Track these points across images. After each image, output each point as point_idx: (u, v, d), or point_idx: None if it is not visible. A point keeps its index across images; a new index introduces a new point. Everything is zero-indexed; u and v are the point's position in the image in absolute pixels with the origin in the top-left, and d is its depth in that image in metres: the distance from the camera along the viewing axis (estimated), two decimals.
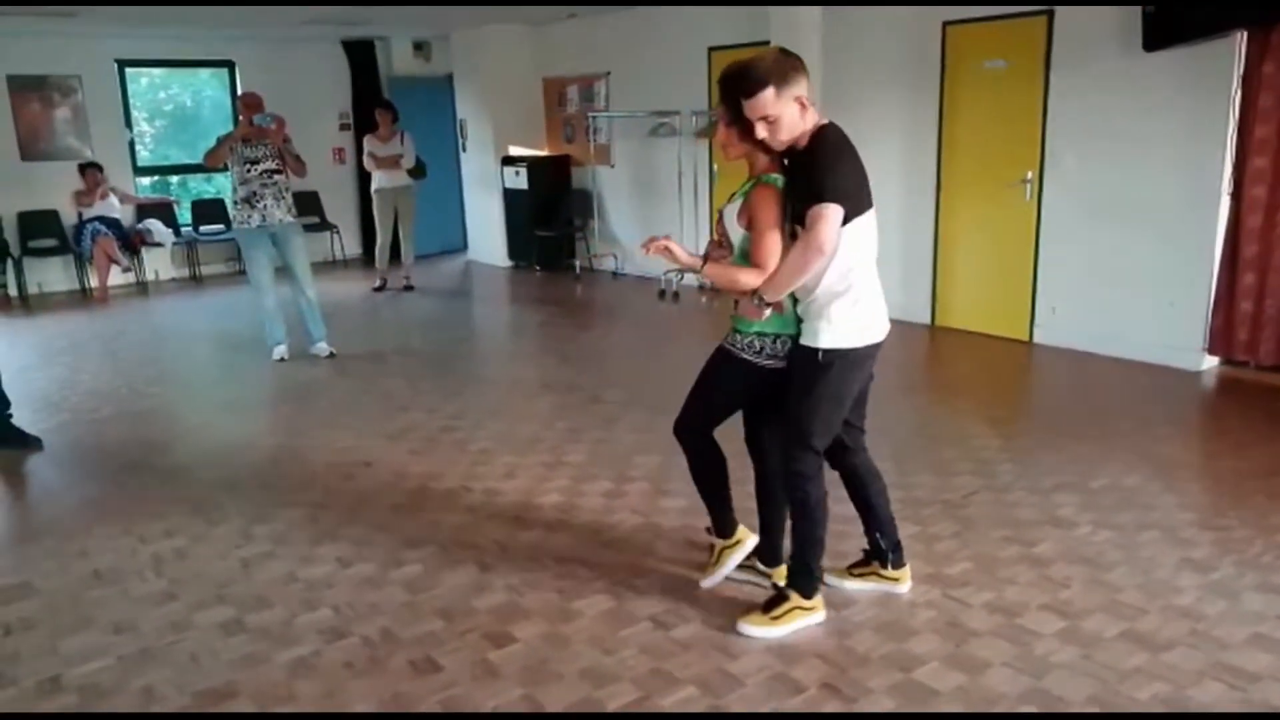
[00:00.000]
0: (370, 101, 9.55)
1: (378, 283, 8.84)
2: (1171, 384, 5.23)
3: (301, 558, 3.40)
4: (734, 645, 2.76)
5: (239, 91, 8.91)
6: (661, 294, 8.18)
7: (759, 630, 2.78)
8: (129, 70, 9.50)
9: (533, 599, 3.06)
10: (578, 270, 9.44)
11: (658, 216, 8.80)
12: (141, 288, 9.35)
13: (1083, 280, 5.84)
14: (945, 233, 6.56)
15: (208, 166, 6.11)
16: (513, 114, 9.77)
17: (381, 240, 8.72)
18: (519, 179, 9.55)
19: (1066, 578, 3.09)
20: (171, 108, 10.86)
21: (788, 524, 2.94)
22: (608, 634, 2.83)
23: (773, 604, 2.83)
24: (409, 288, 8.76)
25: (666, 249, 2.64)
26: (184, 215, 9.83)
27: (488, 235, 10.27)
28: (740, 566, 3.07)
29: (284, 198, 6.00)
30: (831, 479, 2.84)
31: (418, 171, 8.63)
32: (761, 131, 2.54)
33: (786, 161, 2.65)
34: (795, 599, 2.81)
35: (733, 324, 2.77)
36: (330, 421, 4.99)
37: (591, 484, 4.01)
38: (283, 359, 6.20)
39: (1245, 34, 5.00)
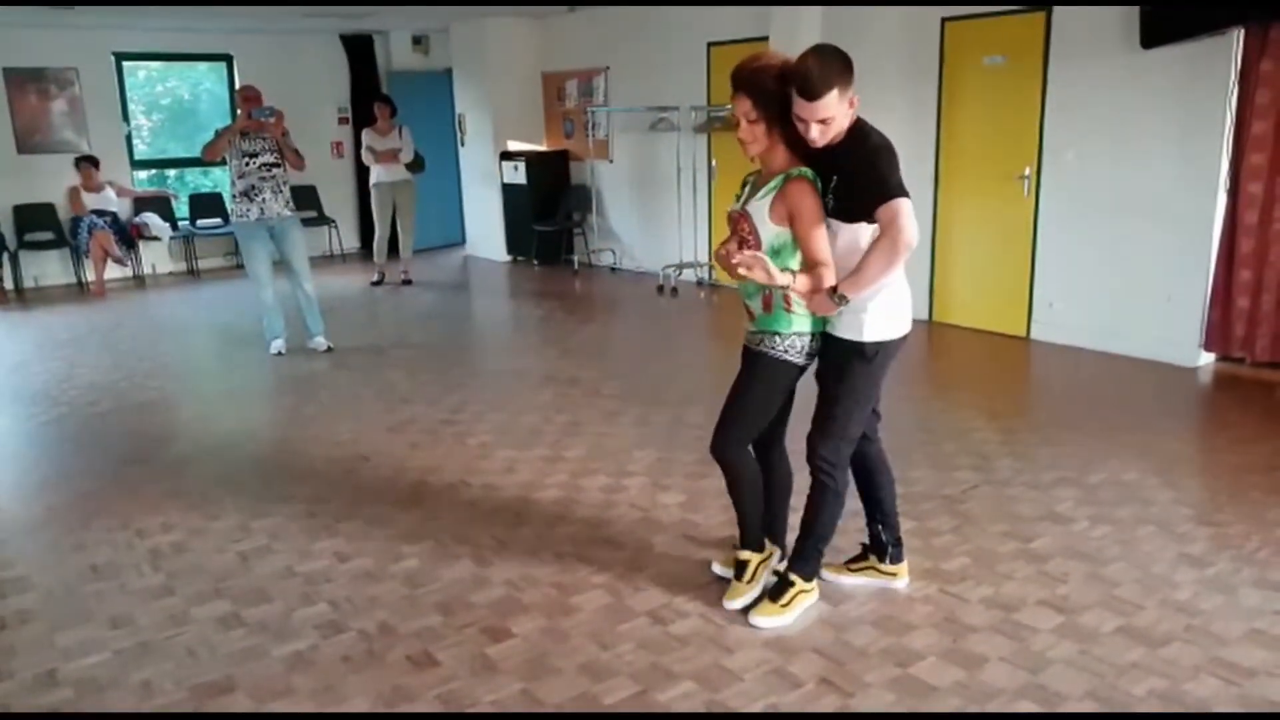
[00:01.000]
0: (369, 95, 9.54)
1: (376, 277, 8.84)
2: (1168, 380, 5.24)
3: (300, 552, 3.40)
4: (732, 640, 2.76)
5: (237, 85, 8.89)
6: (660, 289, 8.18)
7: (772, 620, 2.80)
8: (126, 63, 9.48)
9: (531, 594, 3.06)
10: (576, 265, 9.44)
11: (657, 212, 8.79)
12: (139, 281, 9.34)
13: (1080, 276, 5.85)
14: (943, 228, 6.56)
15: (206, 160, 6.09)
16: (512, 108, 9.75)
17: (380, 234, 8.72)
18: (518, 174, 9.53)
19: (1064, 573, 3.10)
20: (169, 101, 10.82)
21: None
22: (606, 629, 2.84)
23: (779, 591, 2.86)
24: (407, 282, 8.76)
25: (761, 263, 2.49)
26: (181, 209, 9.80)
27: (486, 230, 10.26)
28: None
29: (282, 191, 5.99)
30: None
31: (416, 166, 8.61)
32: (814, 133, 2.50)
33: (806, 155, 2.63)
34: (799, 583, 2.85)
35: (763, 328, 2.72)
36: (328, 415, 4.99)
37: (591, 478, 4.01)
38: (281, 353, 6.20)
39: (1243, 31, 4.99)
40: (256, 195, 5.89)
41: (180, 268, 9.77)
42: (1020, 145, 6.00)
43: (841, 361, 2.69)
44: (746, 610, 2.88)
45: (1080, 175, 5.76)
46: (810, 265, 2.59)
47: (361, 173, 9.52)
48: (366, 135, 8.47)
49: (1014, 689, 2.50)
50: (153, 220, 9.26)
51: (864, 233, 2.58)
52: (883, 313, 2.64)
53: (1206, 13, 4.93)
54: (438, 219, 10.56)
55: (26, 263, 8.90)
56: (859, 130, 2.57)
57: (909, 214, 2.47)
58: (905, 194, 2.48)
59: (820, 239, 2.58)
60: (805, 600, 2.86)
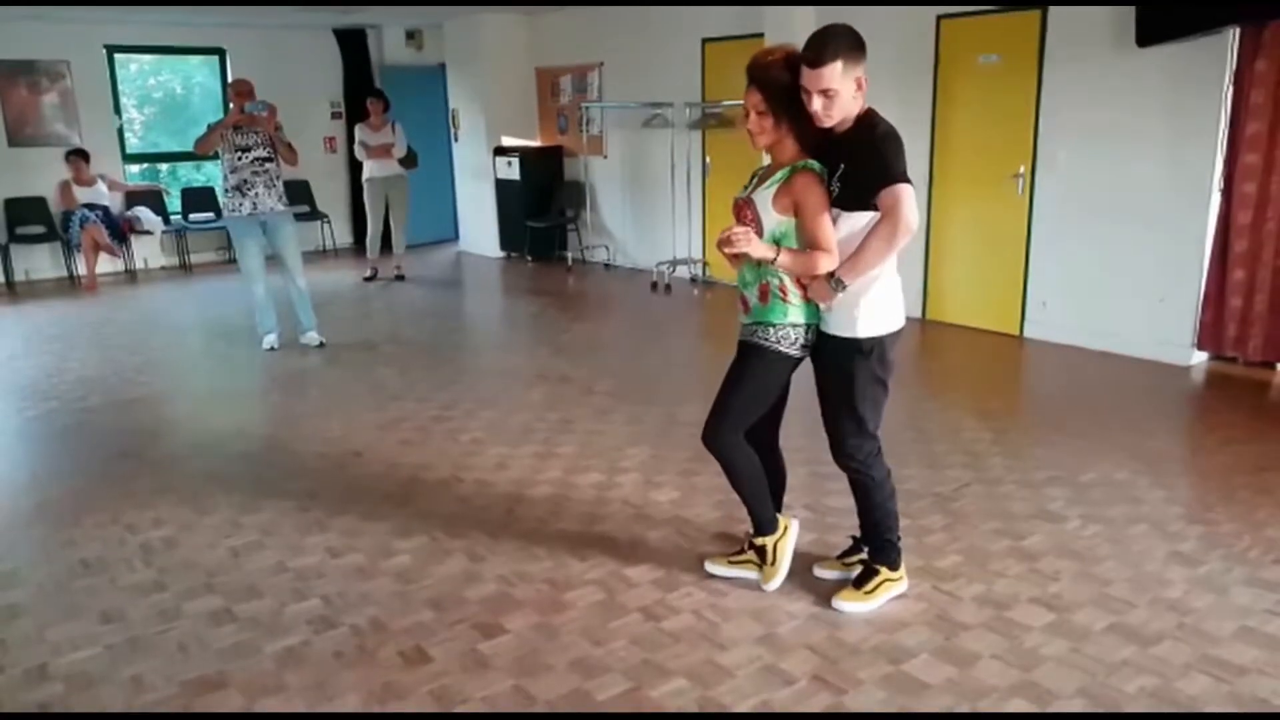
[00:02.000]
0: (362, 90, 9.52)
1: (369, 272, 8.81)
2: (1161, 379, 5.26)
3: (291, 547, 3.39)
4: (724, 637, 2.76)
5: (230, 79, 8.85)
6: (654, 286, 8.17)
7: (854, 606, 2.84)
8: (118, 56, 9.42)
9: (523, 590, 3.05)
10: (570, 261, 9.42)
11: (650, 208, 8.79)
12: (130, 276, 9.29)
13: (1074, 275, 5.86)
14: (937, 227, 6.57)
15: (198, 154, 6.06)
16: (505, 104, 9.73)
17: (373, 230, 8.69)
18: (511, 169, 9.51)
19: (1056, 571, 3.10)
20: (161, 95, 10.78)
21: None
22: (598, 625, 2.83)
23: (864, 579, 2.89)
24: (400, 277, 8.73)
25: (748, 236, 2.58)
26: (174, 203, 9.76)
27: (479, 226, 10.24)
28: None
29: (275, 186, 5.96)
30: (830, 474, 2.84)
31: (409, 161, 8.59)
32: (817, 104, 2.51)
33: (813, 150, 2.66)
34: (885, 571, 2.89)
35: (758, 319, 2.74)
36: (321, 411, 4.97)
37: (583, 475, 4.00)
38: (273, 348, 6.18)
39: (1238, 31, 5.01)
40: (249, 190, 5.86)
41: (172, 262, 9.72)
42: (1015, 144, 6.01)
43: (840, 361, 2.70)
44: (775, 586, 2.96)
45: (1074, 174, 5.77)
46: (807, 252, 2.62)
47: (354, 168, 9.49)
48: (359, 130, 8.44)
49: (1006, 687, 2.50)
50: (145, 214, 9.21)
51: (865, 221, 2.59)
52: (876, 308, 2.65)
53: (1201, 12, 4.94)
54: (431, 215, 10.53)
55: (17, 256, 8.85)
56: (868, 119, 2.59)
57: (911, 199, 2.49)
58: (908, 180, 2.50)
59: (826, 228, 2.60)
60: (892, 588, 2.90)
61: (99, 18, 8.73)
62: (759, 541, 2.99)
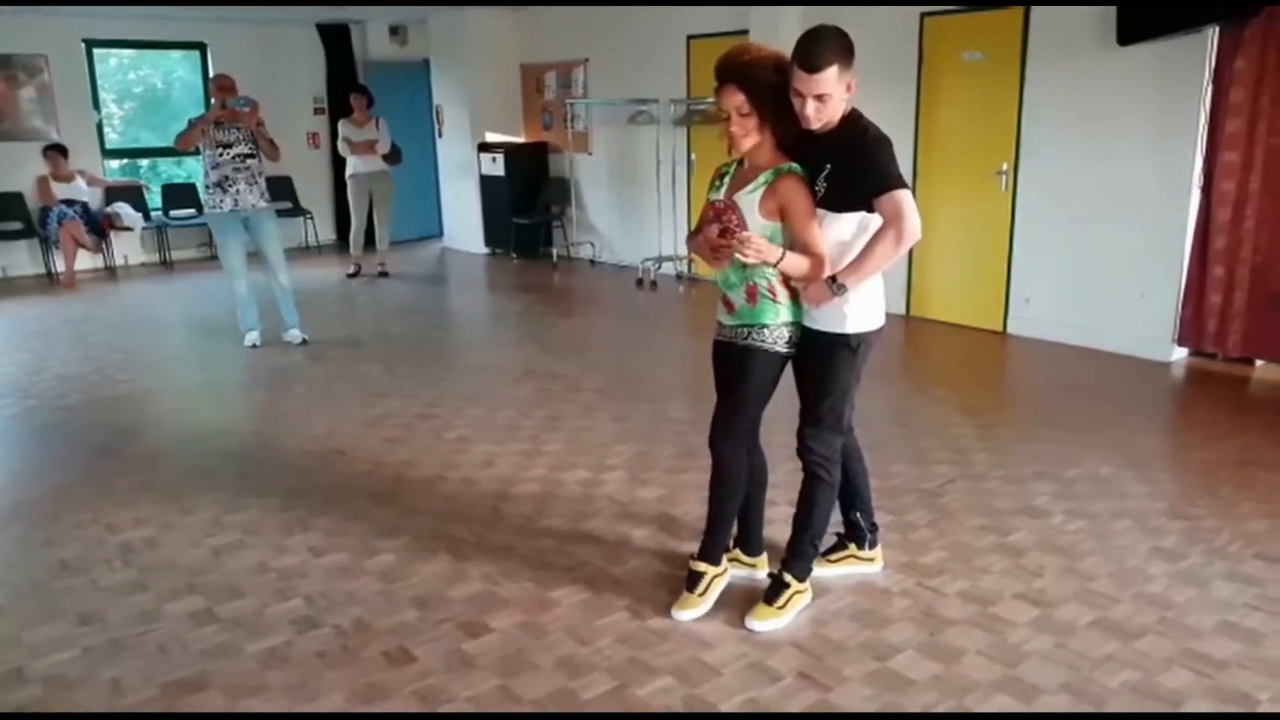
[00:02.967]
0: (345, 86, 9.44)
1: (352, 269, 8.76)
2: (1142, 375, 5.30)
3: (274, 547, 3.36)
4: (710, 634, 2.76)
5: (211, 74, 8.76)
6: (639, 282, 8.16)
7: (769, 624, 2.78)
8: (97, 50, 9.31)
9: (509, 588, 3.04)
10: (555, 258, 9.40)
11: (636, 205, 8.77)
12: (110, 273, 9.20)
13: (1056, 271, 5.89)
14: (921, 223, 6.57)
15: (179, 149, 5.99)
16: (490, 100, 9.69)
17: (356, 226, 8.64)
18: (496, 165, 9.47)
19: (1040, 567, 3.12)
20: (141, 89, 10.67)
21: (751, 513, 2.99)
22: (584, 624, 2.82)
23: (775, 593, 2.83)
24: (384, 274, 8.68)
25: (759, 241, 2.49)
26: (154, 199, 9.66)
27: (464, 222, 10.19)
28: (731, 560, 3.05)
29: (257, 182, 5.91)
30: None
31: (393, 157, 8.53)
32: (809, 109, 2.48)
33: (793, 150, 2.63)
34: (795, 584, 2.83)
35: (748, 321, 2.69)
36: (304, 409, 4.93)
37: (570, 472, 3.99)
38: (255, 345, 6.13)
39: (1218, 29, 5.04)
40: (231, 186, 5.81)
41: (153, 259, 9.62)
42: (998, 141, 6.04)
43: (825, 355, 2.68)
44: (689, 618, 2.83)
45: (1057, 171, 5.80)
46: (803, 255, 2.59)
47: (337, 164, 9.42)
48: (343, 126, 8.38)
49: (990, 682, 2.51)
50: (124, 210, 9.11)
51: (849, 224, 2.58)
52: (864, 304, 2.65)
53: (1181, 11, 4.98)
54: (415, 211, 10.48)
55: None
56: (854, 121, 2.57)
57: (912, 205, 2.48)
58: (906, 185, 2.50)
59: (815, 232, 2.58)
60: (801, 601, 2.85)
61: (77, 11, 8.63)
62: (698, 567, 2.88)
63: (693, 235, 2.83)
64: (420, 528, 3.49)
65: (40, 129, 8.91)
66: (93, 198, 8.99)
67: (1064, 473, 3.89)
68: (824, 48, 2.45)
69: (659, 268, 8.33)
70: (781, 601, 2.81)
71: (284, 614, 2.91)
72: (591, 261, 9.31)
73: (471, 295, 8.53)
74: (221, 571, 3.19)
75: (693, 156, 8.18)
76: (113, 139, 9.77)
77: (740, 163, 2.73)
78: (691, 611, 2.84)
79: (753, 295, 2.66)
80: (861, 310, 2.65)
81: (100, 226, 8.95)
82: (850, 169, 2.53)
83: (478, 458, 4.18)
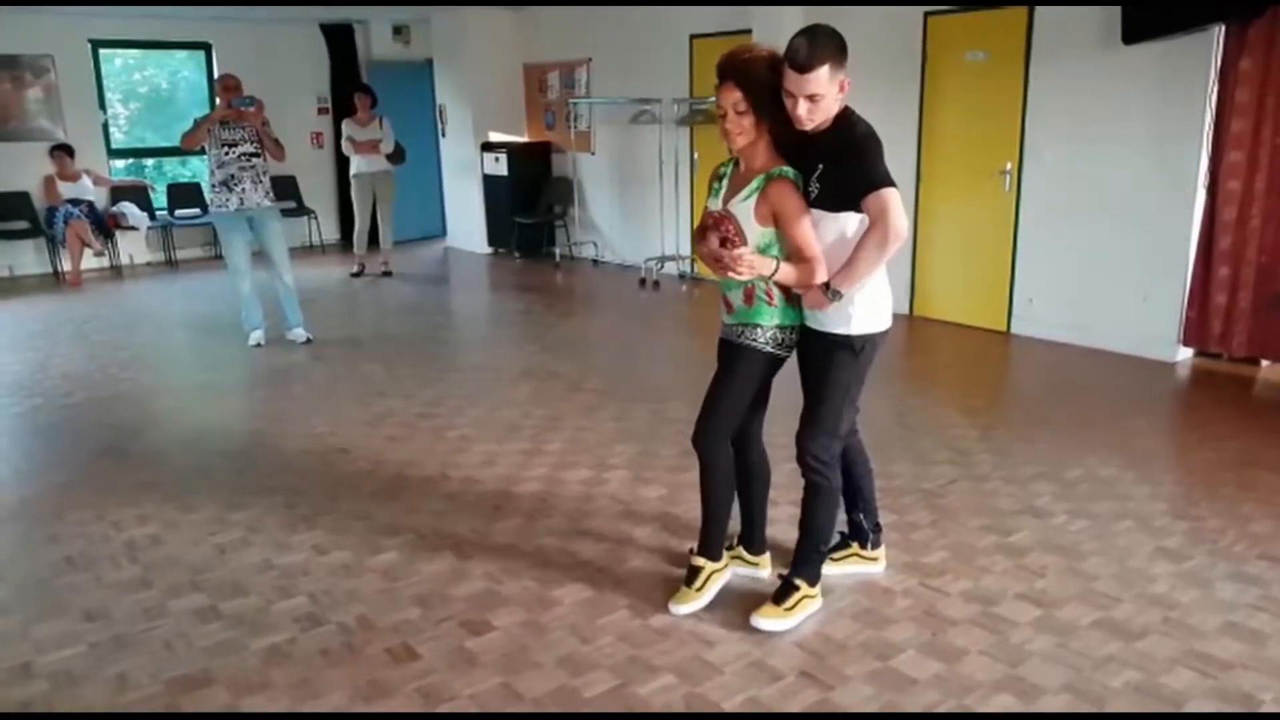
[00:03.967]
0: (348, 85, 9.46)
1: (355, 268, 8.77)
2: (1146, 375, 5.29)
3: (277, 545, 3.37)
4: (712, 633, 2.76)
5: (216, 74, 8.78)
6: (642, 282, 8.17)
7: (774, 623, 2.75)
8: (103, 51, 9.34)
9: (511, 587, 3.04)
10: (557, 258, 9.40)
11: (639, 205, 8.78)
12: (115, 272, 9.22)
13: (1060, 271, 5.89)
14: (924, 223, 6.59)
15: (184, 149, 6.01)
16: (493, 99, 9.70)
17: (360, 225, 8.65)
18: (499, 165, 9.48)
19: (1042, 566, 3.12)
20: (146, 90, 10.70)
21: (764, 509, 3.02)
22: (586, 622, 2.83)
23: (783, 594, 2.80)
24: (387, 273, 8.70)
25: (752, 260, 2.50)
26: (159, 199, 9.68)
27: (467, 222, 10.20)
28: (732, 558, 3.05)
29: (262, 181, 5.93)
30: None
31: (396, 156, 8.54)
32: (801, 109, 2.45)
33: (787, 151, 2.60)
34: (804, 588, 2.81)
35: (743, 320, 2.70)
36: (307, 407, 4.94)
37: (571, 472, 3.99)
38: (259, 344, 6.14)
39: (1223, 28, 5.04)
40: (235, 185, 5.83)
41: (158, 258, 9.65)
42: (1001, 141, 6.03)
43: (828, 357, 2.66)
44: (686, 611, 2.84)
45: (1061, 171, 5.79)
46: (800, 261, 2.57)
47: (341, 163, 9.44)
48: (346, 126, 8.39)
49: (992, 682, 2.51)
50: (130, 210, 9.14)
51: (850, 222, 2.55)
52: (869, 306, 2.62)
53: (1187, 10, 4.97)
54: (418, 210, 10.49)
55: (1, 252, 8.77)
56: (846, 119, 2.54)
57: (898, 205, 2.45)
58: (893, 184, 2.47)
59: (809, 236, 2.55)
60: (810, 606, 2.82)
61: (84, 11, 8.65)
62: (696, 562, 2.91)
63: (698, 241, 2.80)
64: (422, 526, 3.50)
65: (47, 129, 8.94)
66: (98, 197, 9.02)
67: (1066, 473, 3.89)
68: (815, 47, 2.41)
69: (661, 267, 8.34)
70: (790, 603, 2.79)
71: (287, 611, 2.91)
72: (594, 261, 9.31)
73: (474, 295, 8.54)
74: (225, 569, 3.20)
75: (695, 156, 8.18)
76: (118, 139, 9.80)
77: (737, 164, 2.71)
78: (688, 605, 2.85)
79: (750, 297, 2.67)
80: (866, 312, 2.62)
81: (106, 226, 8.98)
82: (841, 169, 2.51)
83: (479, 457, 4.19)
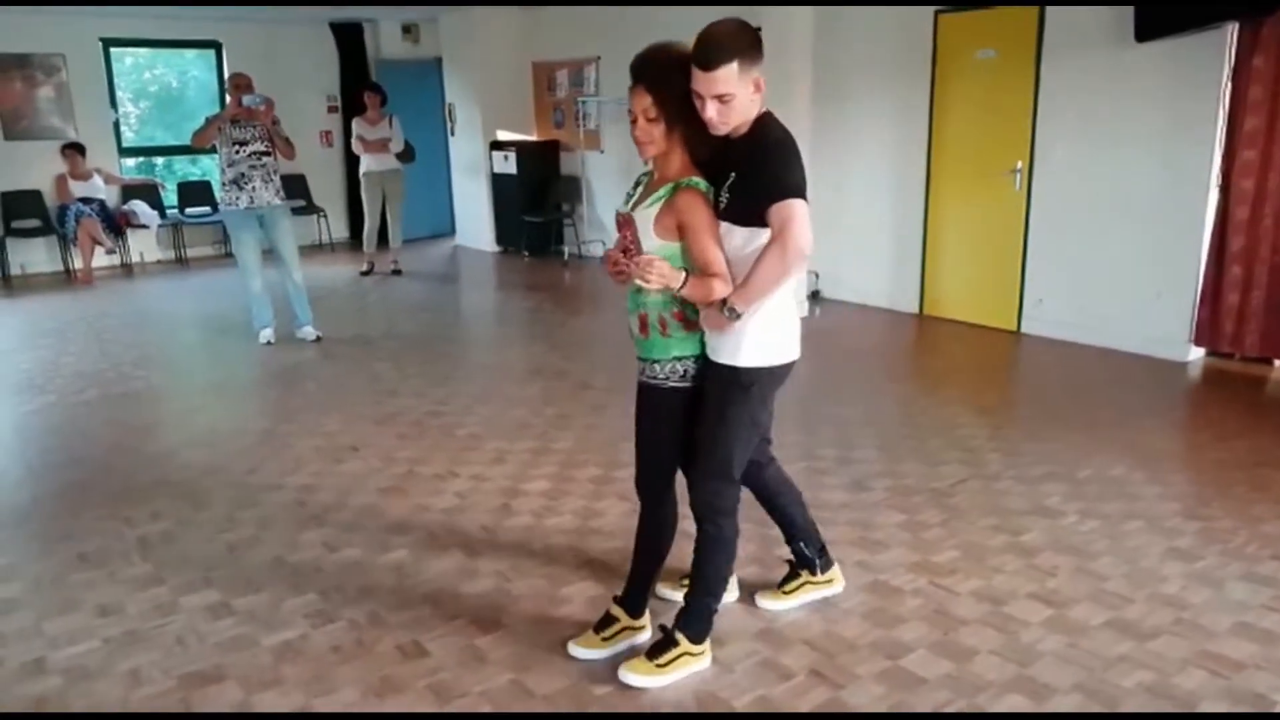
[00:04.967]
0: (358, 84, 9.48)
1: (365, 266, 8.80)
2: (1158, 375, 5.27)
3: (287, 542, 3.39)
4: (722, 631, 2.75)
5: (226, 72, 8.81)
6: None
7: (644, 679, 2.49)
8: (114, 49, 9.38)
9: (520, 584, 3.05)
10: (566, 256, 9.41)
11: None
12: (126, 270, 9.27)
13: (1071, 271, 5.86)
14: (934, 222, 6.57)
15: (194, 147, 6.04)
16: (502, 98, 9.71)
17: (369, 224, 8.68)
18: (508, 164, 9.50)
19: (1053, 566, 3.11)
20: (157, 88, 10.75)
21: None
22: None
23: (660, 649, 2.53)
24: (397, 272, 8.72)
25: (659, 266, 2.24)
26: (170, 197, 9.73)
27: (476, 220, 10.22)
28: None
29: (272, 180, 5.95)
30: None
31: (406, 155, 8.57)
32: (711, 111, 2.21)
33: (706, 159, 2.37)
34: (685, 644, 2.53)
35: (643, 354, 2.47)
36: (317, 405, 4.96)
37: (580, 470, 4.00)
38: (269, 342, 6.17)
39: (1236, 26, 5.01)
40: (246, 183, 5.85)
41: (168, 256, 9.70)
42: (1012, 139, 6.01)
43: (718, 390, 2.40)
44: (584, 656, 2.63)
45: (1072, 170, 5.77)
46: (704, 278, 2.31)
47: (351, 162, 9.47)
48: (356, 124, 8.42)
49: (1003, 681, 2.51)
50: (141, 208, 9.19)
51: (762, 237, 2.27)
52: (763, 335, 2.35)
53: (1200, 7, 4.94)
54: (427, 209, 10.52)
55: (13, 250, 8.83)
56: (762, 124, 2.31)
57: (802, 217, 2.20)
58: (800, 195, 2.22)
59: (714, 251, 2.31)
60: (690, 665, 2.53)
61: (95, 11, 8.69)
62: (614, 611, 2.67)
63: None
64: (432, 524, 3.51)
65: (58, 128, 8.99)
66: (109, 196, 9.06)
67: (1077, 473, 3.87)
68: (721, 42, 2.19)
69: None
70: (664, 660, 2.50)
71: (298, 608, 2.93)
72: (602, 260, 9.31)
73: (482, 293, 8.55)
74: (237, 566, 3.22)
75: None
76: (129, 138, 9.84)
77: (653, 172, 2.46)
78: (587, 651, 2.63)
79: (644, 326, 2.44)
80: (760, 342, 2.34)
81: (117, 224, 9.02)
82: (751, 177, 2.27)
83: (488, 455, 4.19)
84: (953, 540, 3.31)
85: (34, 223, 8.86)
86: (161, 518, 3.60)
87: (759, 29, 2.30)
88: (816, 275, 7.17)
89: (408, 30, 10.53)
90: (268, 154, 5.92)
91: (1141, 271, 5.55)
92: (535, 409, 4.79)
